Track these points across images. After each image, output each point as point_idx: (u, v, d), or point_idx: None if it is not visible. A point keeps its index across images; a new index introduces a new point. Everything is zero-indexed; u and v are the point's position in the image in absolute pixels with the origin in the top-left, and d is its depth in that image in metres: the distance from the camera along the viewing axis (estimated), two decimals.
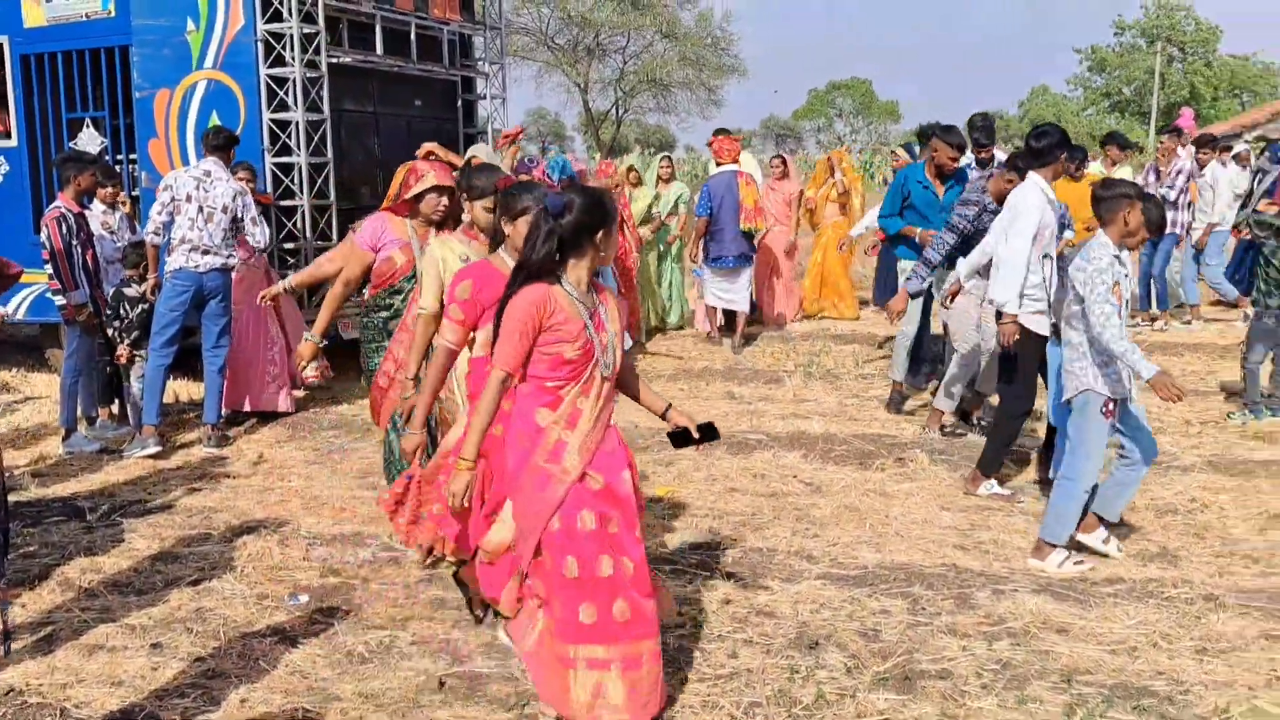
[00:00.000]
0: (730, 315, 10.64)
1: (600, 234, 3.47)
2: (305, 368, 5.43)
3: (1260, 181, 11.18)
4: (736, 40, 47.98)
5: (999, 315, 5.81)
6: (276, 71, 8.34)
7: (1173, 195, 10.89)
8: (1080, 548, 5.06)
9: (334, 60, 8.67)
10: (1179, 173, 11.04)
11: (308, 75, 8.40)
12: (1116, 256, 4.78)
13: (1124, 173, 11.19)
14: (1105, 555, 5.04)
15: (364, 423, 7.75)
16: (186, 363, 7.90)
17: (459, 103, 10.56)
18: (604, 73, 48.02)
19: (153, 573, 5.07)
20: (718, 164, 10.68)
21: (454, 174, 5.16)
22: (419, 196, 5.11)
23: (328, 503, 6.07)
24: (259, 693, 3.90)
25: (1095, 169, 10.69)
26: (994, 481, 6.01)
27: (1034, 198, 5.76)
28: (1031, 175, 5.89)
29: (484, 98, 10.93)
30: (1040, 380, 6.04)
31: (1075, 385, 4.90)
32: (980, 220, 6.66)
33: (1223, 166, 11.40)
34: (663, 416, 3.79)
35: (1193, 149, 11.38)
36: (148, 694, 3.90)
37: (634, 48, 47.04)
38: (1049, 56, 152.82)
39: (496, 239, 4.13)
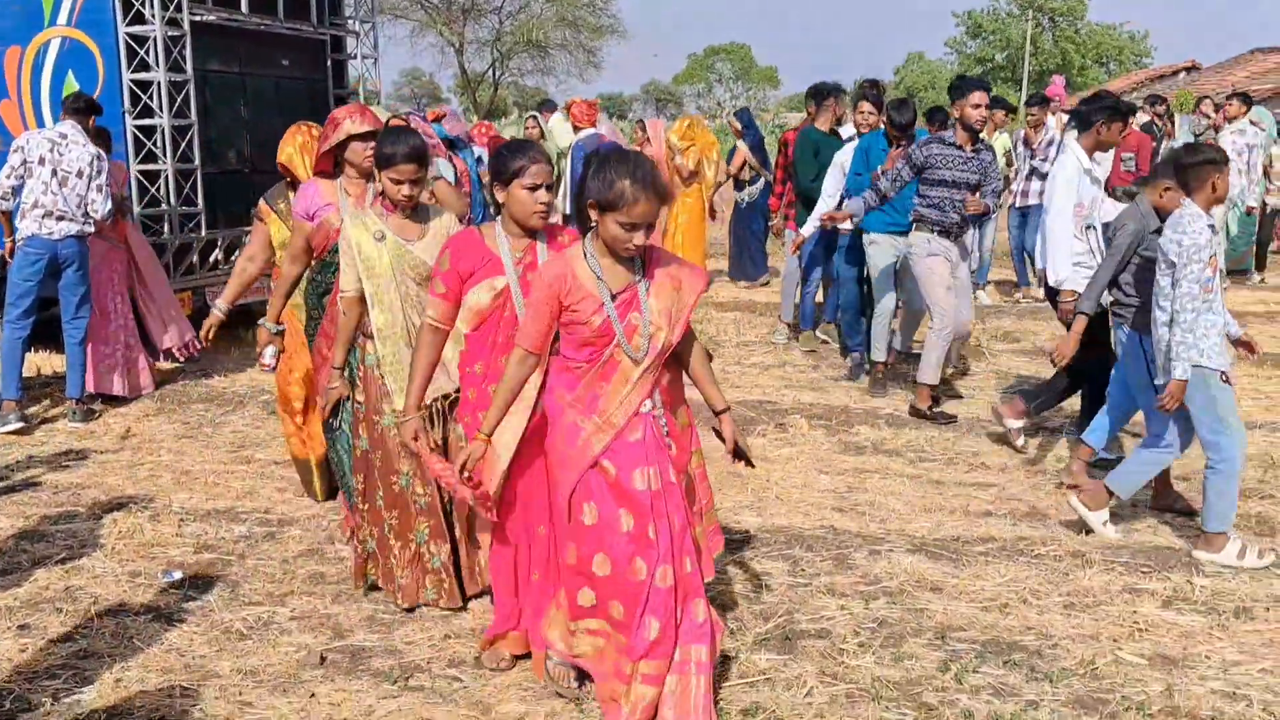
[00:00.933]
0: None
1: (595, 207, 3.14)
2: (261, 352, 5.02)
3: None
4: (614, 0, 47.69)
5: (1055, 294, 5.78)
6: (136, 30, 7.98)
7: (1045, 167, 11.02)
8: (1086, 531, 4.99)
9: (197, 18, 8.32)
10: (1049, 143, 11.13)
11: (169, 34, 8.05)
12: (1211, 226, 4.54)
13: (1002, 141, 11.35)
14: (1101, 533, 4.93)
15: (235, 395, 7.57)
16: (48, 334, 7.55)
17: (328, 62, 10.25)
18: (480, 33, 47.25)
19: (18, 552, 4.87)
20: (575, 129, 10.61)
21: (375, 119, 4.63)
22: (341, 148, 4.53)
23: (200, 477, 5.90)
24: (134, 672, 3.80)
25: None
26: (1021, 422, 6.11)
27: (1069, 167, 5.77)
28: (1070, 144, 5.87)
29: (355, 57, 10.63)
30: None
31: (1183, 367, 4.54)
32: (930, 150, 6.72)
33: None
34: (717, 414, 3.53)
35: (1063, 118, 11.62)
36: (15, 675, 3.77)
37: (510, 7, 46.41)
38: (930, 21, 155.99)
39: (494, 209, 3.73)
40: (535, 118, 12.21)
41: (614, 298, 3.20)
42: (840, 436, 6.51)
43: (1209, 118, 13.50)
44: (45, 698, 3.63)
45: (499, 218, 3.64)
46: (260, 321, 5.00)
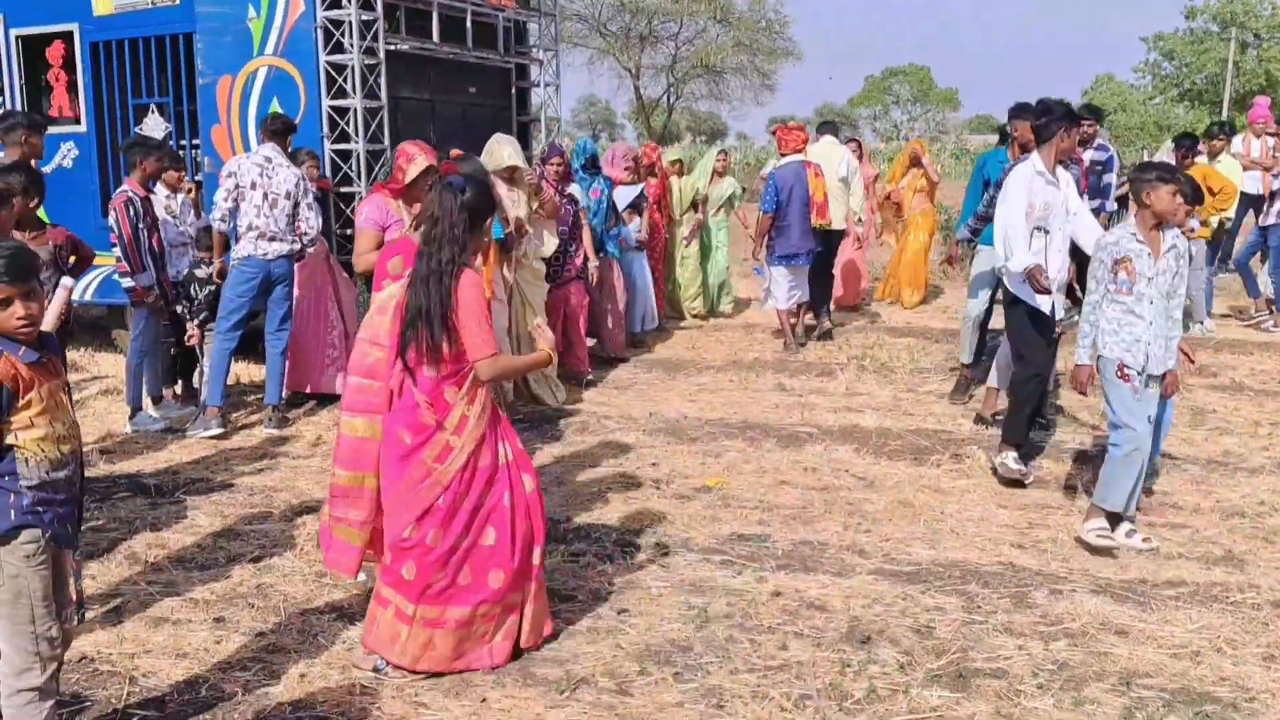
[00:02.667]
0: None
1: (487, 220, 3.82)
2: None
3: None
4: (790, 23, 47.52)
5: (1014, 301, 6.03)
6: (335, 58, 8.42)
7: (1277, 184, 10.66)
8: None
9: (391, 47, 8.74)
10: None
11: (366, 62, 8.47)
12: (1134, 234, 5.01)
13: (1228, 163, 10.85)
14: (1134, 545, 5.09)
15: None
16: (248, 345, 8.02)
17: (513, 90, 10.60)
18: (656, 59, 47.89)
19: (215, 549, 5.17)
20: (781, 155, 9.98)
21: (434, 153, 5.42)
22: (414, 180, 5.38)
23: None
24: (317, 668, 3.98)
25: (1203, 162, 10.42)
26: (1013, 453, 6.01)
27: (1021, 173, 5.95)
28: (1036, 151, 5.98)
29: (538, 85, 10.95)
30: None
31: (1082, 353, 5.17)
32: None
33: None
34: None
35: (1269, 141, 11.11)
36: (211, 666, 4.00)
37: (687, 33, 46.86)
38: (1114, 45, 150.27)
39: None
40: (725, 152, 12.28)
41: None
42: (1021, 469, 6.29)
43: None
44: (237, 688, 3.84)
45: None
46: None
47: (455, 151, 5.12)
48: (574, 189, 8.67)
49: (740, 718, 3.62)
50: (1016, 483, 5.98)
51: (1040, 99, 6.31)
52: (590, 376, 8.69)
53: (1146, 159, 8.46)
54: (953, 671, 3.92)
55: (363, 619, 4.34)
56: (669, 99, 49.77)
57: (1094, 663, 3.97)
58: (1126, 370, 5.01)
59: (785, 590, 4.62)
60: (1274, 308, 10.89)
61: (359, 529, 3.99)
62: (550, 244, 8.17)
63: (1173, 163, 10.85)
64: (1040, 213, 5.90)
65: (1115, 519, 5.09)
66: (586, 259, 8.73)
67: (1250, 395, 7.80)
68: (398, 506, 3.82)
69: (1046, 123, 5.92)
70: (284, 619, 4.39)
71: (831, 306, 10.82)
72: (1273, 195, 10.67)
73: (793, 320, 9.96)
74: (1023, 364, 6.13)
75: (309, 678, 3.92)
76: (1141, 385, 5.03)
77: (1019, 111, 7.38)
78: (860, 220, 10.82)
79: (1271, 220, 10.73)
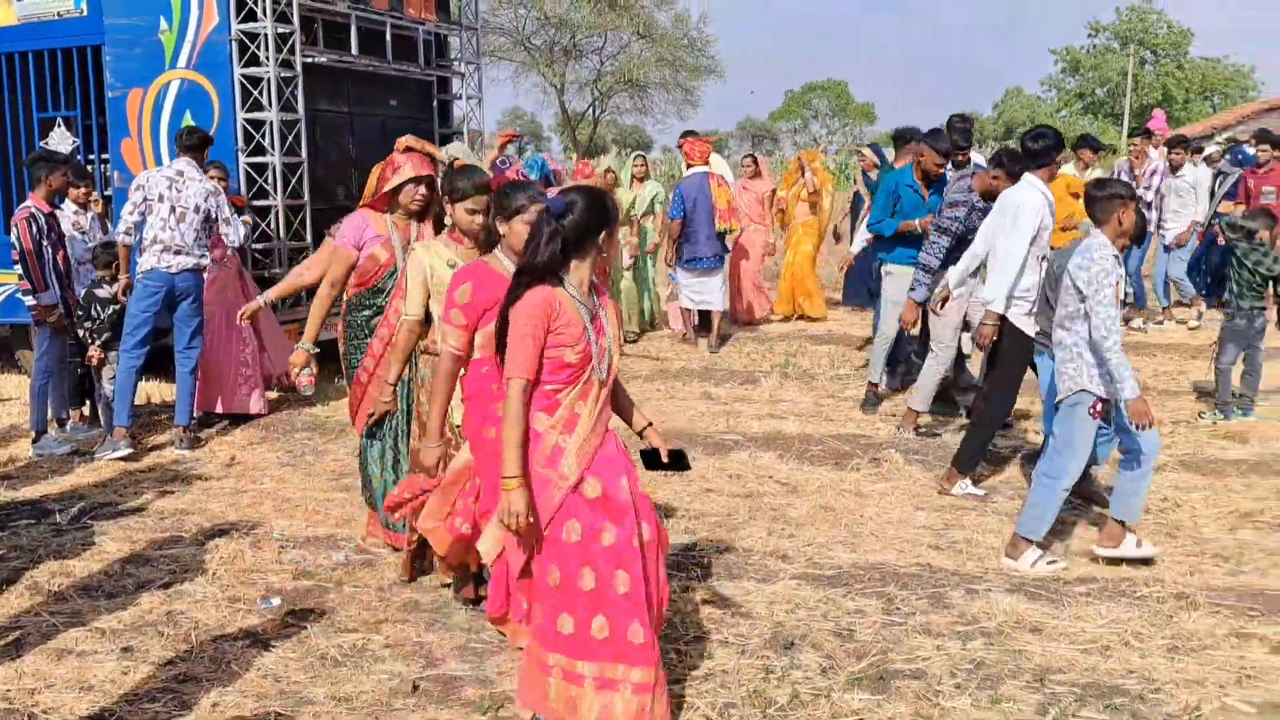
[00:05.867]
0: (705, 315, 10.65)
1: (603, 235, 3.42)
2: (299, 374, 5.19)
3: (1221, 184, 11.33)
4: (713, 41, 47.84)
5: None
6: (251, 71, 8.29)
7: (1149, 196, 10.97)
8: (1046, 549, 5.08)
9: (309, 60, 8.63)
10: (1153, 173, 11.13)
11: (282, 75, 8.35)
12: (1116, 256, 4.80)
13: (1096, 175, 11.25)
14: (1148, 559, 4.94)
15: (337, 424, 7.71)
16: (158, 364, 7.83)
17: (434, 103, 10.53)
18: (580, 73, 47.91)
19: (123, 576, 5.02)
20: (688, 166, 10.66)
21: (432, 165, 5.09)
22: (397, 189, 4.96)
23: (300, 505, 6.03)
24: (231, 696, 3.88)
25: (1069, 170, 10.75)
26: (968, 481, 6.02)
27: (1035, 200, 5.80)
28: (1028, 176, 5.92)
29: (459, 98, 10.90)
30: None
31: (1069, 386, 4.88)
32: (970, 219, 6.67)
33: (1194, 167, 11.49)
34: (639, 434, 3.73)
35: (1164, 150, 11.47)
36: (118, 698, 3.87)
37: (610, 48, 46.98)
38: (1025, 58, 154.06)
39: (490, 239, 4.07)
40: (643, 157, 12.31)
41: (591, 321, 3.43)
42: (937, 472, 6.38)
43: None
44: None
45: (499, 247, 3.97)
46: (299, 345, 5.16)
47: (459, 161, 5.11)
48: None
49: None
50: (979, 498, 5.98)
51: (1036, 129, 6.08)
52: None
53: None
54: (873, 674, 3.94)
55: (277, 645, 4.26)
56: (594, 112, 49.84)
57: (1009, 660, 4.03)
58: (1101, 406, 4.85)
59: (710, 598, 4.62)
60: (1172, 308, 11.26)
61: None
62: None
63: (1082, 165, 11.22)
64: (1044, 241, 5.84)
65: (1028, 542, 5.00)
66: None
67: (1153, 396, 7.98)
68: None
69: (1045, 148, 5.84)
70: (195, 647, 4.26)
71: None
72: (1149, 206, 11.00)
73: (694, 324, 10.71)
74: (1001, 401, 6.06)
75: (222, 707, 3.81)
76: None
77: (924, 138, 7.54)
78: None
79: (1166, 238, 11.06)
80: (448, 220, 4.59)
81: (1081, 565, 4.98)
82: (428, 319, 4.41)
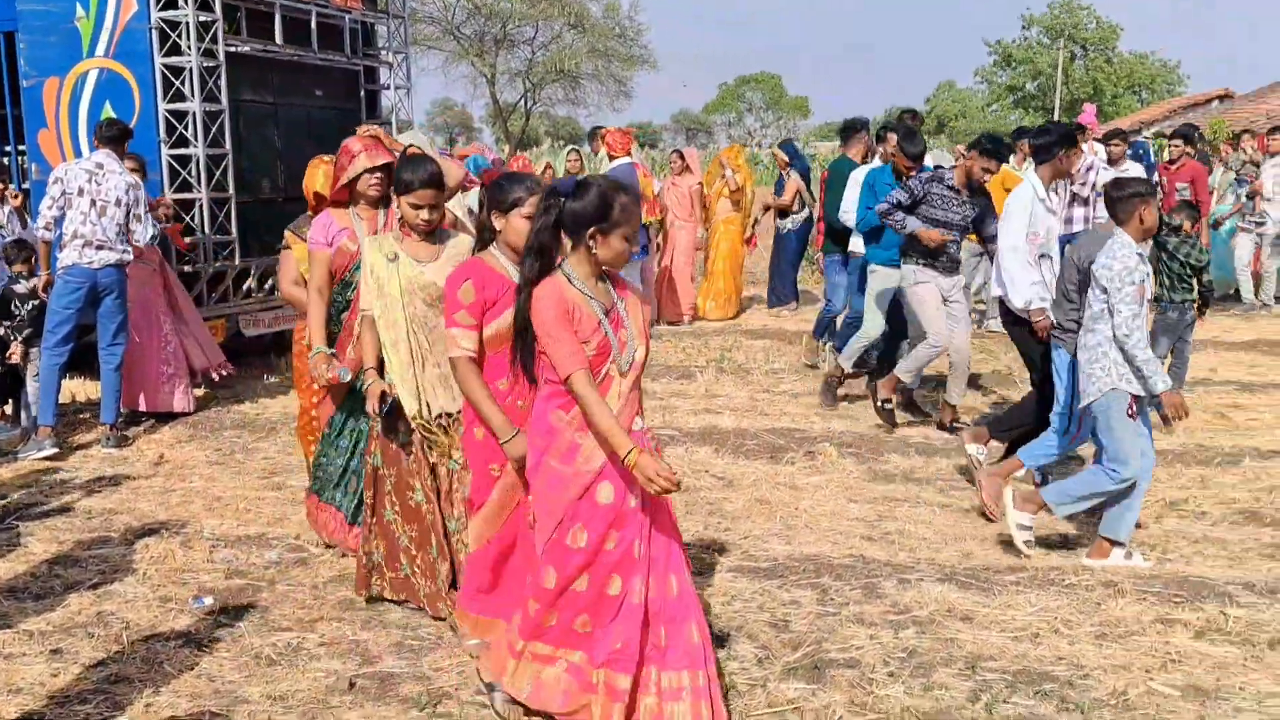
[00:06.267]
0: None
1: (596, 231, 3.23)
2: (328, 373, 4.60)
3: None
4: (645, 31, 47.94)
5: (1017, 321, 5.91)
6: (172, 61, 8.12)
7: (1085, 193, 11.08)
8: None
9: (232, 49, 8.47)
10: (1089, 169, 11.20)
11: (205, 65, 8.19)
12: (1140, 255, 4.80)
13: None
14: (1137, 570, 4.84)
15: (267, 422, 7.61)
16: (82, 362, 7.65)
17: (361, 93, 10.38)
18: (512, 64, 47.65)
19: (50, 577, 4.91)
20: (610, 158, 10.65)
21: (388, 150, 4.84)
22: (354, 179, 4.75)
23: (231, 503, 5.94)
24: (164, 697, 3.82)
25: (1008, 165, 10.84)
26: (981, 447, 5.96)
27: (1023, 197, 5.86)
28: (1028, 174, 5.95)
29: (388, 88, 10.76)
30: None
31: (1097, 388, 4.82)
32: (929, 186, 6.71)
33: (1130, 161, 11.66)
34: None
35: (1095, 144, 11.66)
36: (47, 700, 3.79)
37: (542, 38, 46.77)
38: (960, 51, 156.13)
39: (484, 237, 3.82)
40: (577, 151, 12.27)
41: (606, 314, 3.29)
42: (870, 465, 6.48)
43: (1246, 153, 13.39)
44: None
45: (494, 243, 3.77)
46: (315, 351, 4.68)
47: (411, 149, 4.80)
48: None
49: None
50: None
51: (1043, 125, 6.09)
52: None
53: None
54: (808, 664, 3.99)
55: (210, 645, 4.20)
56: (526, 104, 49.59)
57: (941, 649, 4.10)
58: (1135, 405, 4.82)
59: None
60: None
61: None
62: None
63: (1020, 157, 11.29)
64: (1043, 239, 5.83)
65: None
66: None
67: None
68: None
69: (1047, 144, 5.81)
70: (126, 648, 4.18)
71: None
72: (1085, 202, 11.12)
73: None
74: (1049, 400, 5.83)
75: (155, 708, 3.75)
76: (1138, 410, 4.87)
77: (901, 141, 7.49)
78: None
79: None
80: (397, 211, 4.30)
81: (1010, 555, 5.09)
82: None
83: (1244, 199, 12.23)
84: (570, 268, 3.30)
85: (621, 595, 3.30)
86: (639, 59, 47.99)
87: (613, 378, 3.31)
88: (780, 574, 4.83)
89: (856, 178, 8.15)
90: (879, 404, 7.16)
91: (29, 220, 7.79)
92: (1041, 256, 5.88)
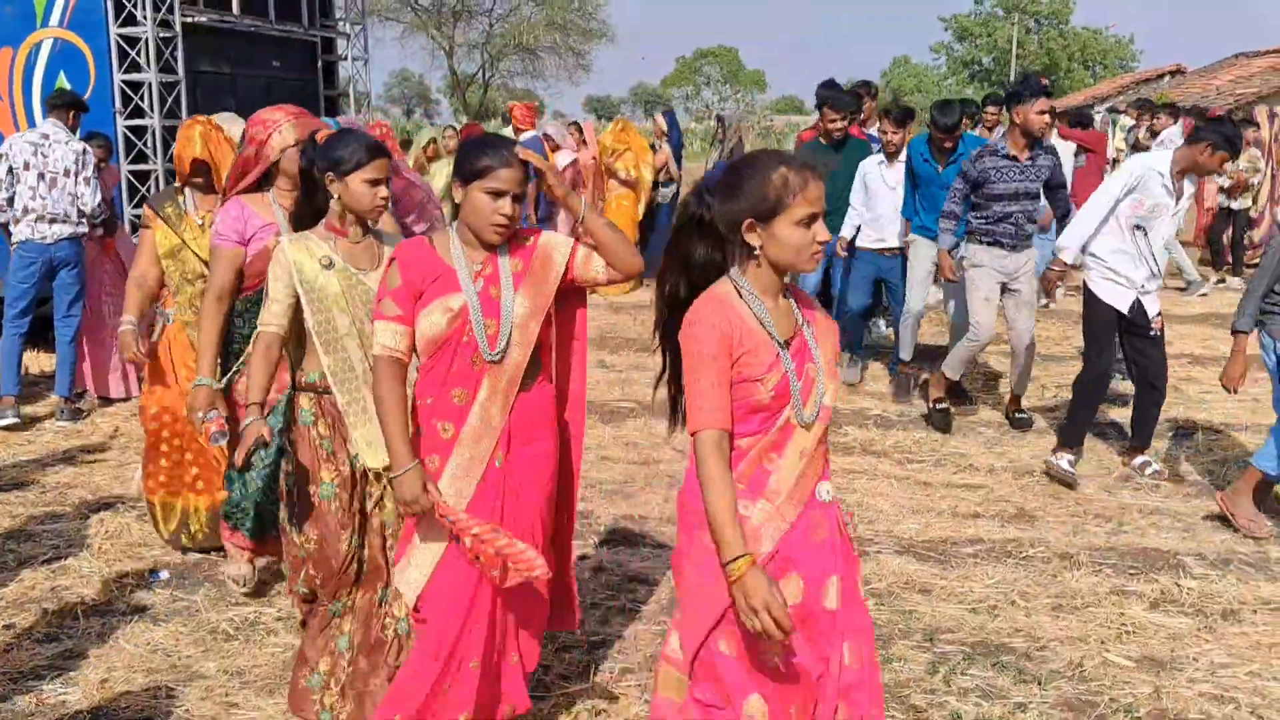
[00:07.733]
0: None
1: (748, 220, 2.41)
2: (204, 419, 3.63)
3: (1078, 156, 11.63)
4: (602, 4, 47.61)
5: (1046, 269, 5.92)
6: (128, 31, 7.98)
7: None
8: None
9: (188, 19, 8.33)
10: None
11: (161, 35, 8.05)
12: None
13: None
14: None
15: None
16: (38, 333, 7.51)
17: (319, 64, 10.27)
18: (470, 35, 47.20)
19: (4, 552, 4.85)
20: (517, 131, 10.33)
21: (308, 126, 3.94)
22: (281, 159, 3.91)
23: None
24: (119, 672, 3.79)
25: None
26: (1069, 456, 5.79)
27: (1132, 165, 5.73)
28: (1158, 152, 5.90)
29: (345, 59, 10.66)
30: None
31: None
32: (980, 164, 6.38)
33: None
34: None
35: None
36: (0, 676, 3.75)
37: (500, 10, 46.36)
38: (916, 25, 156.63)
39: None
40: (453, 128, 11.58)
41: (786, 346, 2.49)
42: (832, 439, 6.51)
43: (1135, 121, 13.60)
44: (29, 698, 3.61)
45: (453, 223, 3.04)
46: (199, 381, 3.79)
47: (459, 131, 4.24)
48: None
49: (563, 695, 3.63)
50: (1063, 482, 5.73)
51: (999, 88, 6.03)
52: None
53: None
54: None
55: (166, 620, 4.16)
56: (484, 76, 49.16)
57: (900, 621, 4.15)
58: None
59: (607, 565, 4.66)
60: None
61: None
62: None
63: (986, 128, 11.22)
64: (1145, 210, 5.61)
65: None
66: None
67: (1037, 361, 8.27)
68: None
69: (1208, 130, 5.58)
70: (81, 623, 4.15)
71: None
72: None
73: None
74: (1089, 365, 5.84)
75: (110, 683, 3.72)
76: None
77: (933, 112, 7.15)
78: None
79: None
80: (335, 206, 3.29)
81: (968, 528, 5.15)
82: (299, 342, 3.32)
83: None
84: (739, 277, 2.50)
85: None
86: (597, 32, 47.73)
87: (793, 427, 2.48)
88: None
89: (863, 173, 7.59)
90: (931, 406, 6.78)
91: None
92: (1136, 227, 5.64)
